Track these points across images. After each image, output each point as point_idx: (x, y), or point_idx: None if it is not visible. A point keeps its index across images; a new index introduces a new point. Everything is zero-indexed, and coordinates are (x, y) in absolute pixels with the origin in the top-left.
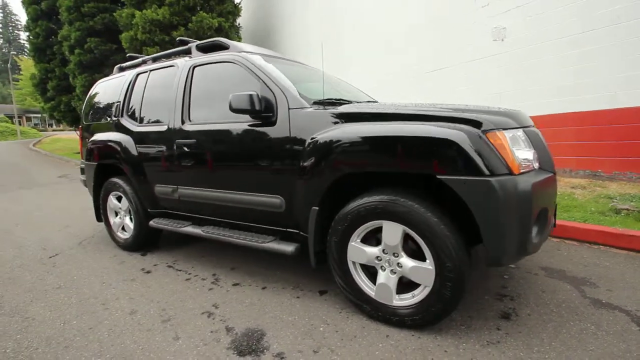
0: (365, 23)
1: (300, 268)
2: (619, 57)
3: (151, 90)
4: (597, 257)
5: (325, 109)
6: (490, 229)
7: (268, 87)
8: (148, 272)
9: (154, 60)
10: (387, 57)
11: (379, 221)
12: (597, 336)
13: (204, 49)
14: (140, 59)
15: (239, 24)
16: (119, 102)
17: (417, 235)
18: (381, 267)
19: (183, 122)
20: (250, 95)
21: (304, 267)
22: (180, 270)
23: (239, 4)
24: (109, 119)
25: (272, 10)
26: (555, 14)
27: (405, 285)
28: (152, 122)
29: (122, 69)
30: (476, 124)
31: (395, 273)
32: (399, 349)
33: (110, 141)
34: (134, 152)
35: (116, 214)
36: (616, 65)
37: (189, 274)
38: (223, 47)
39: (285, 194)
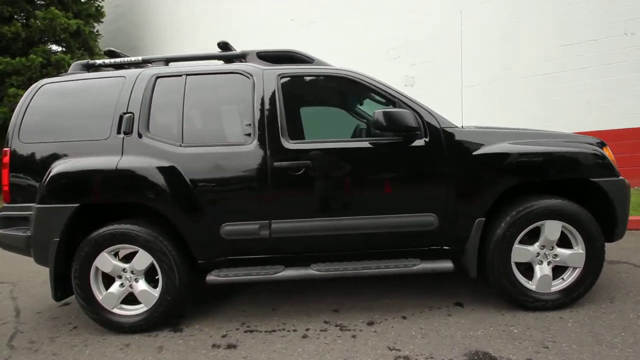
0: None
1: (400, 289)
2: (503, 105)
3: (198, 101)
4: None
5: (474, 129)
6: (623, 214)
7: (409, 106)
8: (231, 346)
9: (167, 62)
10: None
11: (542, 222)
12: None
13: (271, 59)
14: (139, 58)
15: (97, 31)
16: (130, 113)
17: (572, 227)
18: (539, 261)
19: (281, 141)
20: (407, 113)
21: (400, 288)
22: (274, 332)
23: (101, 7)
24: (104, 136)
25: (136, 24)
26: (448, 69)
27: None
28: (215, 142)
29: (89, 67)
30: (595, 142)
31: (550, 264)
32: (580, 323)
33: (124, 170)
34: (181, 182)
35: (110, 280)
36: (499, 112)
37: (294, 331)
38: (298, 60)
39: (440, 210)
